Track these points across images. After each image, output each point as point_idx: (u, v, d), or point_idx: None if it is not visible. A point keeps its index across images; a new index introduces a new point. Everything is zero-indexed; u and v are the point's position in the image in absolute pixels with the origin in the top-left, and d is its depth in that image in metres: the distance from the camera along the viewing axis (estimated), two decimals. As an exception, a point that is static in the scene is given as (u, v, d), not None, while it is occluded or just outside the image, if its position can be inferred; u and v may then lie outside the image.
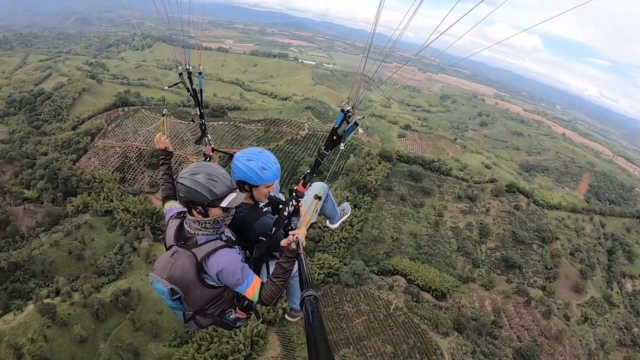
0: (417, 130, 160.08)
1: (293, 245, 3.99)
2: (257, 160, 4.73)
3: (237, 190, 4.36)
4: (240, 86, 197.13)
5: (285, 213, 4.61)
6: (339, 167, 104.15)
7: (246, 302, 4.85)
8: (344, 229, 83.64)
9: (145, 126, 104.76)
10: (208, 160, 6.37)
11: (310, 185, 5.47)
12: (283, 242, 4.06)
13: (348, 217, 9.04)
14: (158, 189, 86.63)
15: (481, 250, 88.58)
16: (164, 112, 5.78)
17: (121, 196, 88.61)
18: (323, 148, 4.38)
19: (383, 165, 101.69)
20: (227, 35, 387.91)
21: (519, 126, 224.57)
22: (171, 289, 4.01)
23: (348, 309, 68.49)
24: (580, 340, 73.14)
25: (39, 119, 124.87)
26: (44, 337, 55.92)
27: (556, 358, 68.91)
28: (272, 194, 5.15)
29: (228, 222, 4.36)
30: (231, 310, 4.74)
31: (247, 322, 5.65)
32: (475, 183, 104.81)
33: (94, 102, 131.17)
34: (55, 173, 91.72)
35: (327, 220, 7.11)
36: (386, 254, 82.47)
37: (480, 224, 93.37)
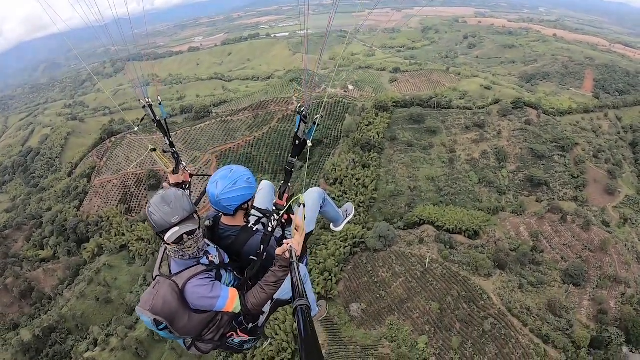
0: (407, 71, 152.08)
1: (287, 255, 4.07)
2: (239, 178, 4.58)
3: (190, 218, 4.11)
4: (221, 79, 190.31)
5: (269, 229, 4.52)
6: (338, 132, 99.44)
7: (250, 324, 4.79)
8: (358, 193, 79.61)
9: (135, 150, 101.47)
10: (187, 188, 6.21)
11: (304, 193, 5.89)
12: (278, 251, 4.13)
13: (353, 217, 7.85)
14: None
15: (503, 176, 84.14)
16: (151, 147, 5.74)
17: (131, 227, 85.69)
18: (290, 156, 4.58)
19: (381, 117, 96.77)
20: (195, 34, 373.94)
21: (508, 39, 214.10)
22: (154, 319, 3.93)
23: (383, 274, 64.82)
24: (626, 244, 68.94)
25: (35, 177, 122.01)
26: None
27: (605, 270, 64.74)
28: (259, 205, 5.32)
29: (200, 244, 4.29)
30: (233, 334, 4.65)
31: (256, 343, 5.17)
32: (480, 108, 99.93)
33: (83, 142, 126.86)
34: (63, 225, 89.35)
35: (332, 224, 7.20)
36: (408, 206, 78.35)
37: (495, 148, 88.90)
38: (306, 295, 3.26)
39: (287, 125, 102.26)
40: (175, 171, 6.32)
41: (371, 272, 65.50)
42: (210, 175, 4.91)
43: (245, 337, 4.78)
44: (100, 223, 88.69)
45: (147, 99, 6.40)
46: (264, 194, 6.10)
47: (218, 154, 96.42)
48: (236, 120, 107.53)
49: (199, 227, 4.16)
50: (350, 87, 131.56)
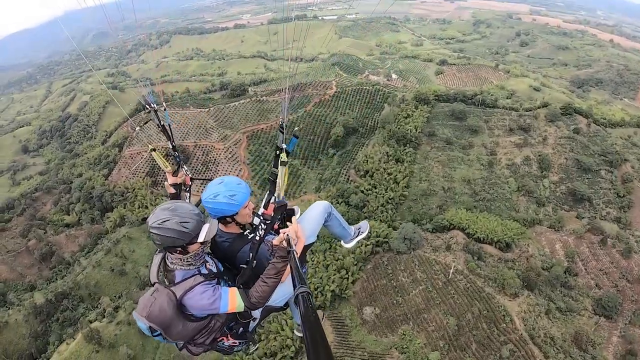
0: (454, 64, 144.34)
1: (284, 244, 4.10)
2: (223, 192, 4.48)
3: (210, 219, 4.25)
4: (263, 57, 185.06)
5: (257, 238, 4.54)
6: (374, 121, 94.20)
7: (240, 329, 4.85)
8: (388, 189, 74.69)
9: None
10: (187, 191, 5.92)
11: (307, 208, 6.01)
12: (275, 241, 4.16)
13: (366, 236, 6.94)
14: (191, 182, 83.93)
15: (544, 186, 77.15)
16: (151, 148, 5.75)
17: (155, 200, 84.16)
18: (272, 166, 4.74)
19: (421, 110, 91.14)
20: (243, 11, 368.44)
21: (562, 40, 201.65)
22: (150, 326, 3.98)
23: (403, 279, 60.18)
24: (671, 278, 61.81)
25: (70, 143, 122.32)
26: (93, 364, 54.09)
27: (642, 305, 58.29)
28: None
29: (207, 250, 4.43)
30: (223, 339, 4.71)
31: (245, 347, 5.19)
32: (526, 110, 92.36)
33: (120, 111, 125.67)
34: (89, 192, 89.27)
35: (341, 240, 6.87)
36: (439, 208, 72.81)
37: (539, 155, 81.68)
38: (306, 282, 3.18)
39: (323, 111, 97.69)
40: (175, 173, 6.00)
41: (391, 275, 61.07)
42: (210, 180, 4.80)
43: (235, 342, 4.80)
44: (126, 194, 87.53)
45: (153, 105, 6.26)
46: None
47: (249, 133, 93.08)
48: (271, 101, 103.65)
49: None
50: (394, 76, 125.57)
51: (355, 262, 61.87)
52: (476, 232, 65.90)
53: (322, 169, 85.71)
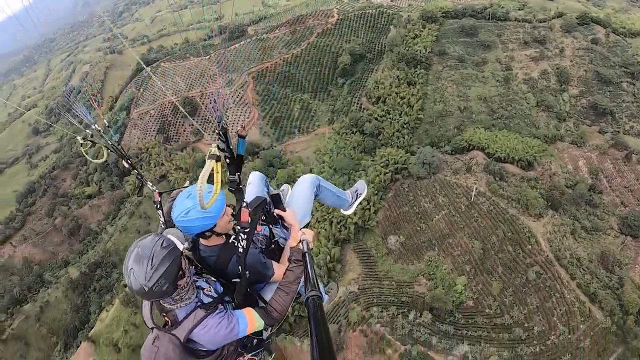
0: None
1: (300, 246, 3.98)
2: (193, 207, 3.82)
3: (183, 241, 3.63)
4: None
5: (241, 250, 3.94)
6: (382, 45, 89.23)
7: (255, 341, 4.42)
8: (403, 113, 71.60)
9: (170, 78, 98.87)
10: (159, 208, 4.55)
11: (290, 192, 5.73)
12: (290, 244, 4.11)
13: (365, 196, 6.81)
14: (202, 136, 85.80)
15: (564, 100, 73.27)
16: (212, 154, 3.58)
17: (170, 156, 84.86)
18: (229, 174, 3.86)
19: (429, 29, 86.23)
20: None
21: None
22: None
23: (425, 204, 58.63)
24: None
25: (78, 115, 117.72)
26: (133, 325, 56.91)
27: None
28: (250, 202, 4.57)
29: (193, 271, 3.93)
30: (239, 359, 4.25)
31: (261, 357, 4.60)
32: (541, 22, 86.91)
33: (122, 74, 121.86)
34: (105, 160, 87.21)
35: (340, 209, 6.39)
36: (457, 129, 69.81)
37: (557, 68, 77.26)
38: (318, 286, 3.05)
39: (326, 40, 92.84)
40: (139, 193, 5.98)
41: (412, 202, 59.56)
42: (185, 187, 4.34)
43: (251, 358, 4.35)
44: (140, 155, 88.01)
45: (94, 126, 5.12)
46: (254, 189, 5.21)
47: (255, 74, 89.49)
48: (272, 38, 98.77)
49: (183, 259, 3.52)
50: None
51: (376, 191, 60.15)
52: (496, 151, 63.56)
53: (333, 100, 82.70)
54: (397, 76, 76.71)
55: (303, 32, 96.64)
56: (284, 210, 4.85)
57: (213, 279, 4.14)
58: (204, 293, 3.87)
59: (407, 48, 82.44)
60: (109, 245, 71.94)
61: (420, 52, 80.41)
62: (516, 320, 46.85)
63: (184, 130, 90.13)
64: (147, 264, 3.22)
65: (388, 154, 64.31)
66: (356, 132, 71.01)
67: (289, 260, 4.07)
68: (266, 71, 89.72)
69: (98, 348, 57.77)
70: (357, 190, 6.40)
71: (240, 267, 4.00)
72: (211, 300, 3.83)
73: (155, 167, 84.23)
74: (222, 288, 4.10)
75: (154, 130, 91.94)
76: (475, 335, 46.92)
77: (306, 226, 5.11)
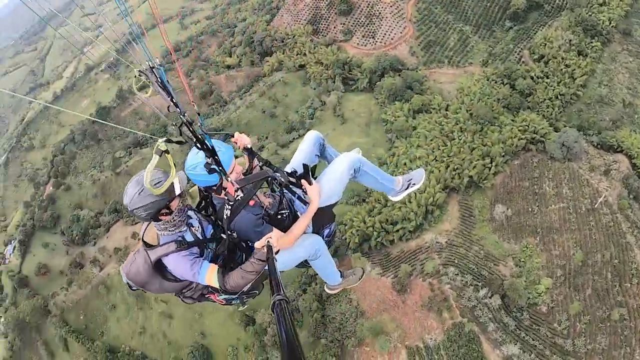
0: None
1: (264, 250, 3.81)
2: (200, 164, 3.96)
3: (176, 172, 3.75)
4: None
5: (225, 217, 4.08)
6: (563, 1, 78.62)
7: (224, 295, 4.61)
8: (561, 82, 63.91)
9: None
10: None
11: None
12: (257, 245, 3.91)
13: (419, 187, 5.85)
14: (350, 36, 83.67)
15: None
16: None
17: (314, 49, 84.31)
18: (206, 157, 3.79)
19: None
20: None
21: None
22: (127, 282, 4.13)
23: (547, 188, 53.26)
24: None
25: None
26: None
27: None
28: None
29: (187, 203, 4.13)
30: (211, 296, 4.53)
31: (236, 302, 4.76)
32: None
33: None
34: (251, 37, 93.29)
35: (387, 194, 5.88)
36: (613, 123, 60.99)
37: None
38: (283, 290, 2.84)
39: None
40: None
41: (536, 180, 54.42)
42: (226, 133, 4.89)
43: (220, 302, 4.63)
44: (286, 40, 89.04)
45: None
46: (299, 155, 5.29)
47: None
48: None
49: (176, 200, 3.88)
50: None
51: (503, 153, 55.18)
52: (645, 166, 55.20)
53: (494, 41, 75.76)
54: (570, 40, 67.65)
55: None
56: (310, 183, 4.54)
57: (208, 222, 4.34)
58: (190, 231, 4.10)
59: (590, 13, 71.75)
60: (232, 116, 74.92)
61: (602, 23, 69.91)
62: (577, 350, 42.41)
63: (334, 27, 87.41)
64: (136, 192, 3.58)
65: (530, 120, 58.27)
66: (506, 84, 64.63)
67: (252, 254, 3.98)
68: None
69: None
70: (411, 179, 5.74)
71: (224, 227, 4.14)
72: (192, 240, 4.03)
73: (297, 55, 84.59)
74: (211, 233, 4.30)
75: (305, 19, 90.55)
76: (530, 343, 43.52)
77: (333, 205, 4.95)
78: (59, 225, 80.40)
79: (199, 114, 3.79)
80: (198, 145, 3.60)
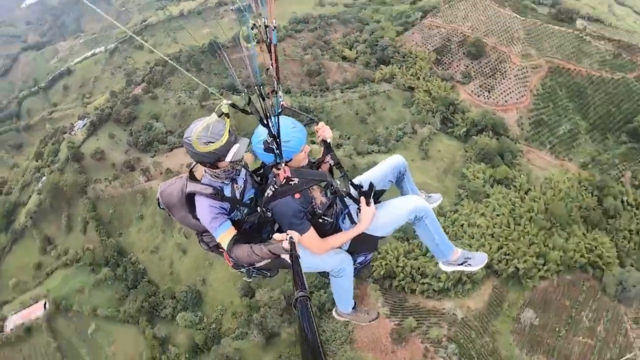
0: None
1: (285, 244, 3.57)
2: (265, 140, 3.91)
3: (242, 139, 3.89)
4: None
5: (267, 195, 4.16)
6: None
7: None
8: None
9: (477, 12, 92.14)
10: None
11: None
12: (276, 236, 3.72)
13: (475, 271, 3.73)
14: (468, 81, 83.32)
15: None
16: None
17: (429, 77, 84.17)
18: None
19: None
20: None
21: None
22: (158, 199, 4.29)
23: (584, 318, 50.97)
24: None
25: None
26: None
27: None
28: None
29: (238, 171, 4.14)
30: (223, 252, 4.39)
31: (247, 274, 4.81)
32: None
33: None
34: (377, 40, 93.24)
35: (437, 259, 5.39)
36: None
37: None
38: (306, 286, 2.79)
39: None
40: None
41: (577, 304, 52.18)
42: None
43: (229, 262, 4.53)
44: (407, 57, 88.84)
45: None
46: (371, 172, 5.32)
47: (553, 66, 79.51)
48: (593, 46, 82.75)
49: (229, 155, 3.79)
50: None
51: (559, 262, 53.36)
52: None
53: (602, 148, 70.96)
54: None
55: (626, 62, 78.57)
56: (368, 204, 4.46)
57: (253, 187, 4.35)
58: (232, 186, 4.12)
59: None
60: (327, 104, 78.47)
61: None
62: None
63: (457, 66, 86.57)
64: (201, 130, 3.52)
65: (600, 243, 54.70)
66: (595, 196, 60.58)
67: (268, 242, 3.81)
68: (565, 71, 78.26)
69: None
70: (470, 259, 5.26)
71: (259, 205, 4.23)
72: (228, 196, 4.05)
73: (411, 75, 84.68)
74: (250, 198, 4.29)
75: (432, 46, 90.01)
76: None
77: (380, 238, 4.84)
78: (131, 124, 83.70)
79: (275, 92, 3.63)
80: (263, 121, 3.49)
